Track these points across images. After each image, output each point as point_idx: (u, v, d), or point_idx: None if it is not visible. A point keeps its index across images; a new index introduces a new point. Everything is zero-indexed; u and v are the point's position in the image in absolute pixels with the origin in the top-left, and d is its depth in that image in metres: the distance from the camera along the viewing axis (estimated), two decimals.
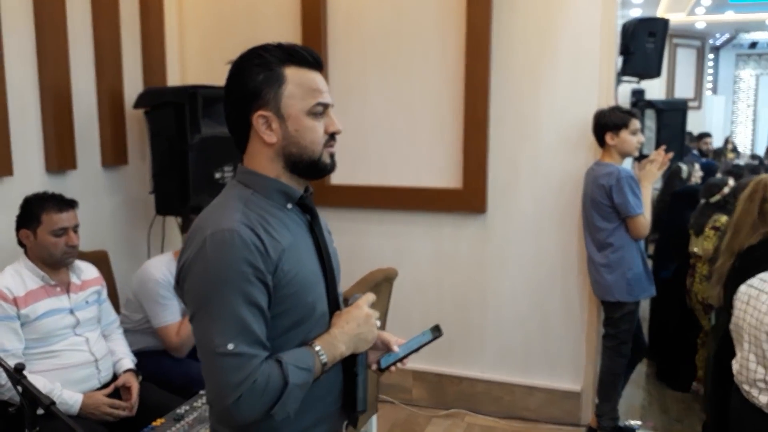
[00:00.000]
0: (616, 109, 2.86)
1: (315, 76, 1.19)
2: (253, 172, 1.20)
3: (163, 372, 2.49)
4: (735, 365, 2.07)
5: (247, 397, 1.07)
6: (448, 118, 3.15)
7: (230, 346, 1.07)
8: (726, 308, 2.26)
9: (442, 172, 3.18)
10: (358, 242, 3.30)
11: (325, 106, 1.20)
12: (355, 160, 3.30)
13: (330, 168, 1.23)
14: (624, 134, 2.81)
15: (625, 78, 4.28)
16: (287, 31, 3.28)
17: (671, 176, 4.32)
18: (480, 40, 3.02)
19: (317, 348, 1.16)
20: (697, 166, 4.63)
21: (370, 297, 1.27)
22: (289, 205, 1.21)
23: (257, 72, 1.17)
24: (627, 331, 2.88)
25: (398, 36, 3.17)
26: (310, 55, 1.19)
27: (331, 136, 1.21)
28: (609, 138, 2.81)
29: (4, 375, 1.96)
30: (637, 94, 5.61)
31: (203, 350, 1.11)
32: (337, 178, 3.34)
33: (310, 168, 1.20)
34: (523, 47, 3.03)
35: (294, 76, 1.17)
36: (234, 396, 1.07)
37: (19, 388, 1.46)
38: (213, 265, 1.09)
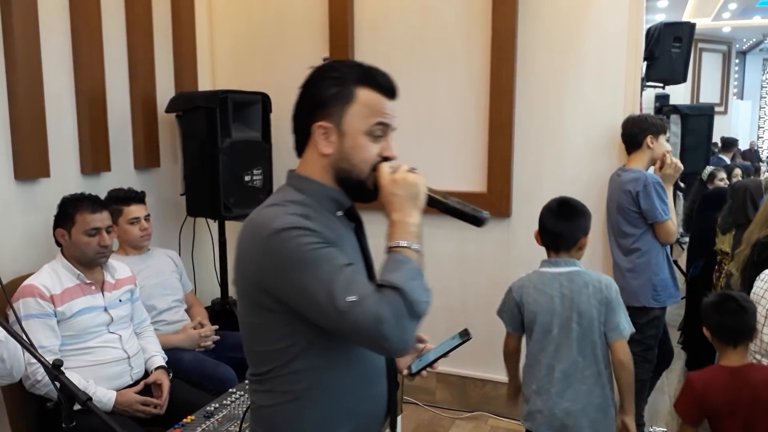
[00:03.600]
0: (652, 116, 2.90)
1: (385, 101, 1.23)
2: (307, 178, 1.25)
3: (180, 369, 2.52)
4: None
5: (389, 327, 1.06)
6: (473, 121, 3.17)
7: (351, 298, 1.07)
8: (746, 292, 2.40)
9: (467, 175, 3.20)
10: (382, 245, 3.33)
11: (385, 126, 1.23)
12: None
13: (372, 195, 1.24)
14: (662, 139, 2.85)
15: (650, 83, 4.26)
16: (315, 37, 3.34)
17: (697, 180, 4.38)
18: (505, 45, 3.04)
19: (397, 244, 1.15)
20: (720, 172, 4.65)
21: (385, 164, 1.23)
22: (339, 213, 1.26)
23: (330, 85, 1.22)
24: (653, 337, 2.86)
25: (423, 41, 3.20)
26: (386, 82, 1.24)
27: (384, 160, 1.23)
28: (650, 141, 2.82)
29: (41, 371, 2.04)
30: (662, 99, 5.57)
31: (330, 322, 1.10)
32: None
33: (356, 187, 1.24)
34: (548, 52, 3.04)
35: (364, 96, 1.21)
36: (383, 335, 1.06)
37: (57, 384, 1.48)
38: (291, 256, 1.10)
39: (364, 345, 1.14)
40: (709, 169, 4.51)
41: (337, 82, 1.22)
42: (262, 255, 1.15)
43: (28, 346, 1.64)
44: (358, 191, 1.24)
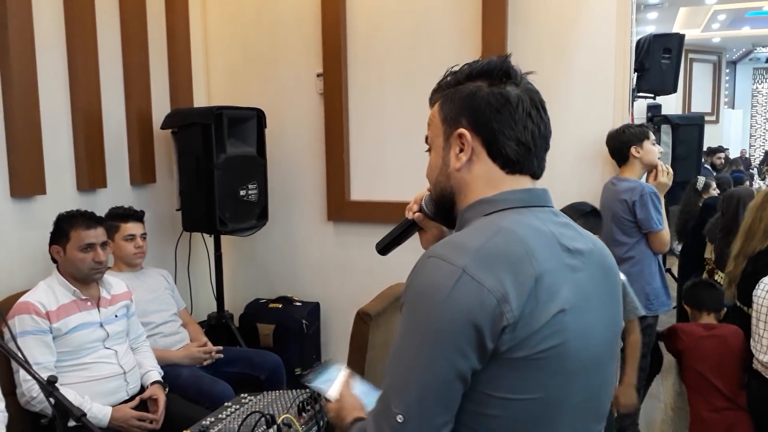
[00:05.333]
0: (631, 126, 2.92)
1: None
2: None
3: (178, 384, 2.52)
4: (752, 342, 2.46)
5: None
6: None
7: None
8: (738, 305, 2.66)
9: None
10: (377, 257, 3.33)
11: None
12: (373, 177, 3.36)
13: None
14: (647, 145, 2.87)
15: (641, 94, 4.31)
16: (309, 53, 3.37)
17: (689, 189, 4.40)
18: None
19: None
20: (713, 181, 4.70)
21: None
22: None
23: None
24: (646, 345, 2.87)
25: (415, 55, 3.23)
26: None
27: None
28: (635, 151, 2.85)
29: (36, 387, 2.04)
30: (653, 110, 5.63)
31: None
32: (355, 195, 3.40)
33: None
34: (537, 65, 3.02)
35: None
36: None
37: (52, 400, 1.48)
38: None
39: None
40: (702, 179, 4.55)
41: None
42: None
43: (23, 363, 1.65)
44: None
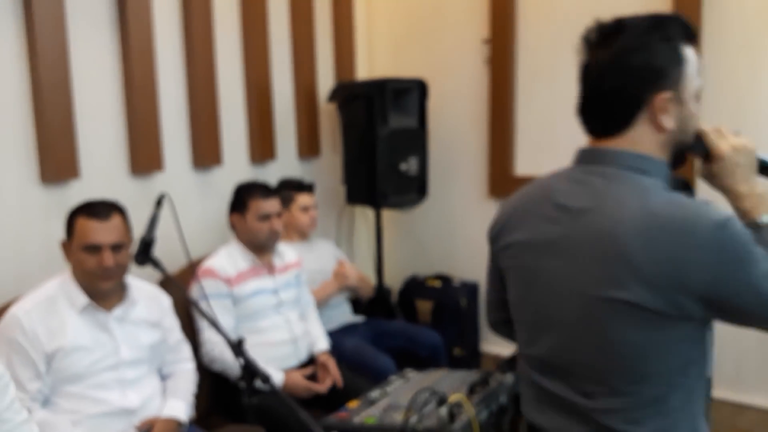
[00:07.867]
0: None
1: (697, 58, 1.14)
2: (650, 158, 1.12)
3: (341, 355, 2.53)
4: None
5: None
6: None
7: None
8: None
9: None
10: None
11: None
12: (541, 149, 3.14)
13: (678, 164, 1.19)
14: None
15: None
16: (474, 19, 3.20)
17: None
18: (689, 17, 2.71)
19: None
20: None
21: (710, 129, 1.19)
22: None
23: (662, 48, 1.10)
24: None
25: (595, 15, 2.96)
26: (694, 31, 1.15)
27: None
28: None
29: (220, 348, 2.14)
30: None
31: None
32: (522, 169, 3.21)
33: (677, 159, 1.17)
34: (739, 24, 2.67)
35: (690, 54, 1.12)
36: None
37: (241, 360, 1.55)
38: (743, 250, 1.02)
39: None
40: None
41: (668, 42, 1.10)
42: (710, 253, 1.01)
43: (215, 324, 1.71)
44: (676, 163, 1.17)
